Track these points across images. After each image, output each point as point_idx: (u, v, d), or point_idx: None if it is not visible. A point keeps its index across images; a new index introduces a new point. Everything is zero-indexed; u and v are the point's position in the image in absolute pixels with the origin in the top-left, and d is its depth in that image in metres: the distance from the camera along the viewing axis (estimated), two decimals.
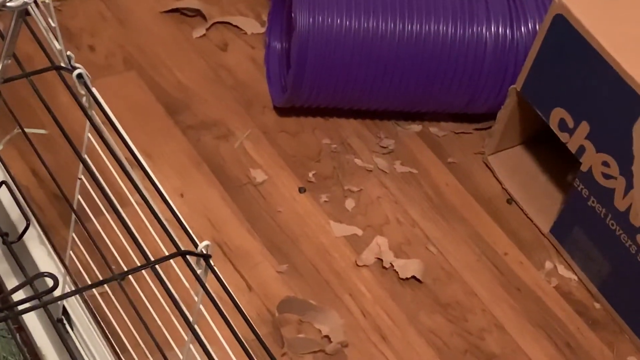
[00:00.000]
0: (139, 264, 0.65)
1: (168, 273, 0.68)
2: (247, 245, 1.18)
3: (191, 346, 0.70)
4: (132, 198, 0.72)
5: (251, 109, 1.33)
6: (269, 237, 1.19)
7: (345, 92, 1.27)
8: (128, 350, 0.85)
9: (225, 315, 0.61)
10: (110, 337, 0.88)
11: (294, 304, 1.12)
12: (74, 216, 0.81)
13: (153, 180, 0.67)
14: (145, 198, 0.66)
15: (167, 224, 0.66)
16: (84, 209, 0.80)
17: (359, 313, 1.14)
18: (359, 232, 1.22)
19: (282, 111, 1.34)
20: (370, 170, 1.29)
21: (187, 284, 0.68)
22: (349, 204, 1.25)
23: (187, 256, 0.64)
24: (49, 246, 0.86)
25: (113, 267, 0.78)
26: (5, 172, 0.86)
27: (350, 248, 1.20)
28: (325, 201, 1.24)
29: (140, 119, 1.30)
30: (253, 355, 0.60)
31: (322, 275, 1.17)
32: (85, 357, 0.84)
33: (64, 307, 0.89)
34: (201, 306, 0.67)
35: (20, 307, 0.64)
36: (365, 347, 1.11)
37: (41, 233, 0.87)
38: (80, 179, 0.78)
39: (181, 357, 0.72)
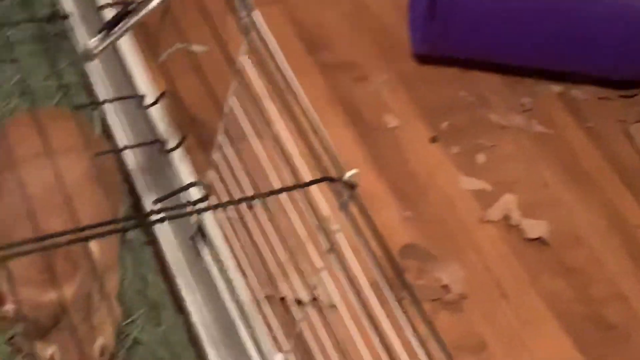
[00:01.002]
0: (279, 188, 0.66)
1: (304, 201, 0.69)
2: (374, 189, 1.19)
3: (324, 273, 0.71)
4: (278, 124, 0.74)
5: (390, 54, 1.33)
6: (396, 183, 1.19)
7: (490, 45, 1.25)
8: (260, 273, 0.87)
9: (368, 244, 0.61)
10: (242, 258, 0.90)
11: (416, 251, 1.13)
12: (219, 137, 0.83)
13: (304, 108, 0.68)
14: (296, 123, 0.67)
15: (309, 153, 0.67)
16: (231, 130, 0.82)
17: (481, 267, 1.13)
18: (488, 187, 1.20)
19: (422, 59, 1.32)
20: (505, 127, 1.27)
21: (325, 212, 0.69)
22: (480, 158, 1.23)
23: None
24: (191, 165, 0.88)
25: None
26: (163, 84, 0.88)
27: (477, 202, 1.19)
28: (456, 153, 1.23)
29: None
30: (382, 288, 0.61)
31: (446, 226, 1.16)
32: (215, 275, 0.86)
33: (198, 226, 0.92)
34: (339, 234, 0.68)
35: (156, 217, 0.66)
36: (484, 301, 1.10)
37: (184, 151, 0.90)
38: (230, 100, 0.80)
39: (313, 283, 0.74)
